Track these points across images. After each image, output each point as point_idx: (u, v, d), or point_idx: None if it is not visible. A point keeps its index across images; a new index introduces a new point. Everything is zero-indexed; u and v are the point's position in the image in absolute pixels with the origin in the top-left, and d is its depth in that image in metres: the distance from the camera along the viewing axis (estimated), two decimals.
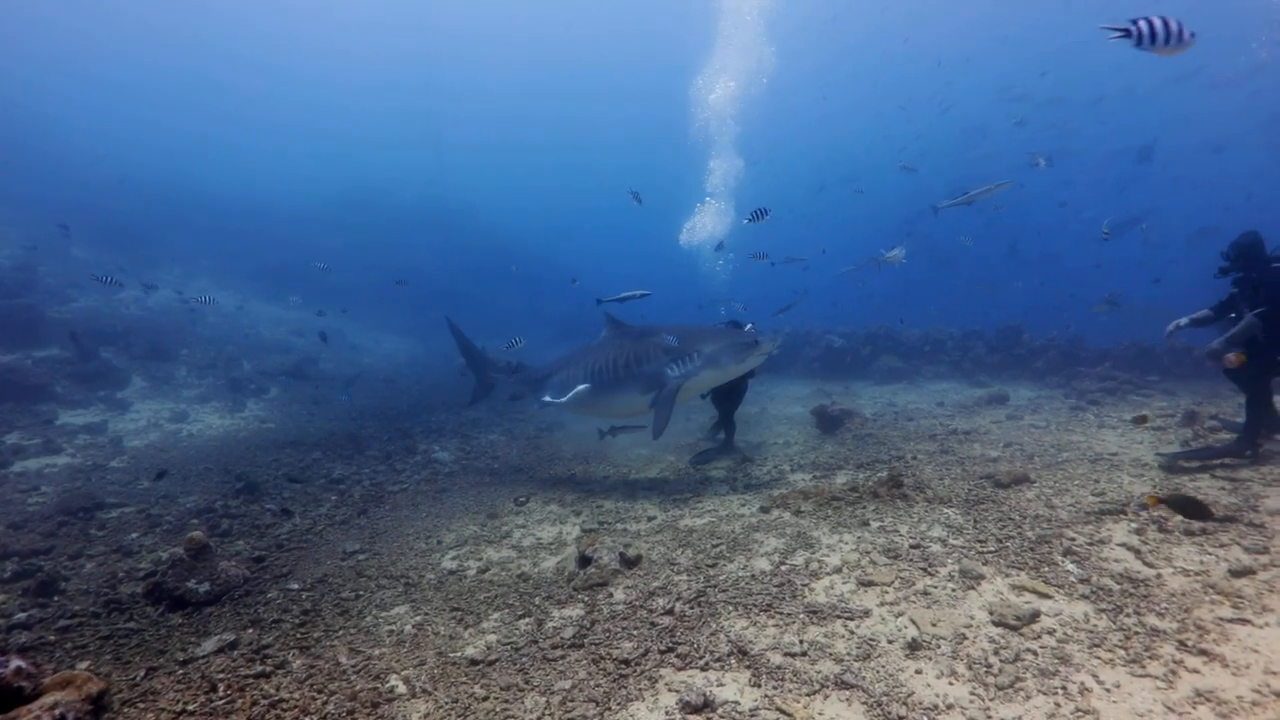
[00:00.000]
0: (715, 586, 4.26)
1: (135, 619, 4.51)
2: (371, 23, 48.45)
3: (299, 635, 4.16)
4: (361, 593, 4.98)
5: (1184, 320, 6.35)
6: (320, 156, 52.97)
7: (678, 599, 4.12)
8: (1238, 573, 3.70)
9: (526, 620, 4.17)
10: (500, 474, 9.28)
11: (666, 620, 3.86)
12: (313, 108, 55.37)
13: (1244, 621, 3.22)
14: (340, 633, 4.21)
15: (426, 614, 4.45)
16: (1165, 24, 4.32)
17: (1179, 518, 4.52)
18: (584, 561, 4.82)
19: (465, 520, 6.98)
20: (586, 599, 4.37)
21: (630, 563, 4.75)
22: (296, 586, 5.11)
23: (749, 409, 11.90)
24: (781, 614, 3.80)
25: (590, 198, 60.82)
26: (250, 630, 4.26)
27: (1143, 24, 4.36)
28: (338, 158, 52.53)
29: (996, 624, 3.44)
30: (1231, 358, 5.52)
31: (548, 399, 8.21)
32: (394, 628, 4.26)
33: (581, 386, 7.70)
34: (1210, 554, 4.00)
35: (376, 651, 3.89)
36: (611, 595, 4.38)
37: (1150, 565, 3.94)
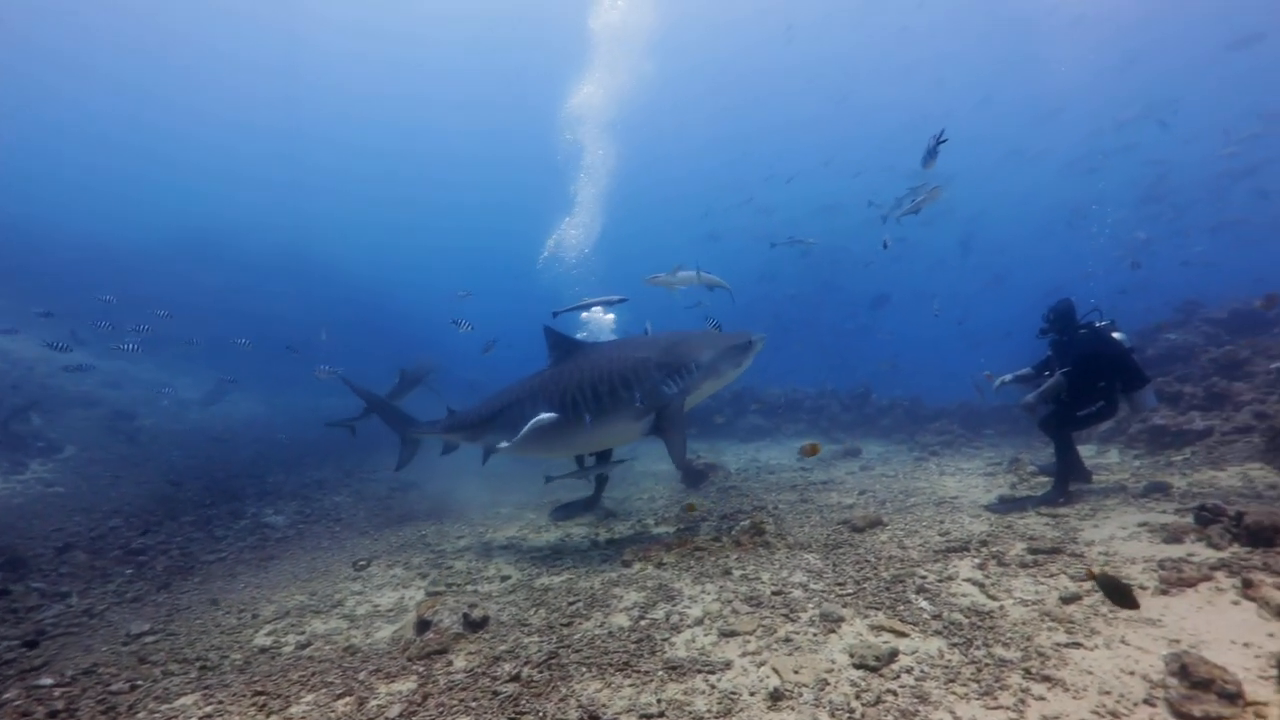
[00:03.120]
0: (569, 647, 3.86)
1: None
2: (236, 56, 44.26)
3: None
4: (140, 683, 4.09)
5: (1008, 376, 6.98)
6: (158, 185, 47.95)
7: (526, 663, 3.68)
8: (1067, 599, 3.87)
9: (346, 700, 3.54)
10: (341, 538, 8.34)
11: (511, 688, 3.40)
12: (155, 130, 48.27)
13: (1078, 645, 3.32)
14: None
15: (221, 702, 3.68)
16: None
17: (1018, 549, 4.76)
18: (422, 627, 4.25)
19: (292, 590, 6.10)
20: (422, 669, 3.81)
21: (475, 625, 4.24)
22: (50, 682, 4.11)
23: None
24: (639, 672, 3.48)
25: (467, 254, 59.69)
26: None
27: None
28: (185, 193, 47.86)
29: (857, 666, 3.32)
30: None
31: (503, 445, 6.52)
32: None
33: (545, 416, 6.15)
34: (1043, 584, 4.18)
35: None
36: (451, 663, 3.85)
37: (993, 598, 4.04)
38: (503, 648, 3.95)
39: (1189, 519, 5.04)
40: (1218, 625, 3.39)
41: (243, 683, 3.97)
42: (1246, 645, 3.15)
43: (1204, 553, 4.43)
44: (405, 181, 56.12)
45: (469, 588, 5.56)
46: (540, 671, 3.58)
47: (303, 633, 4.89)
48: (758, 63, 39.69)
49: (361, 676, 3.84)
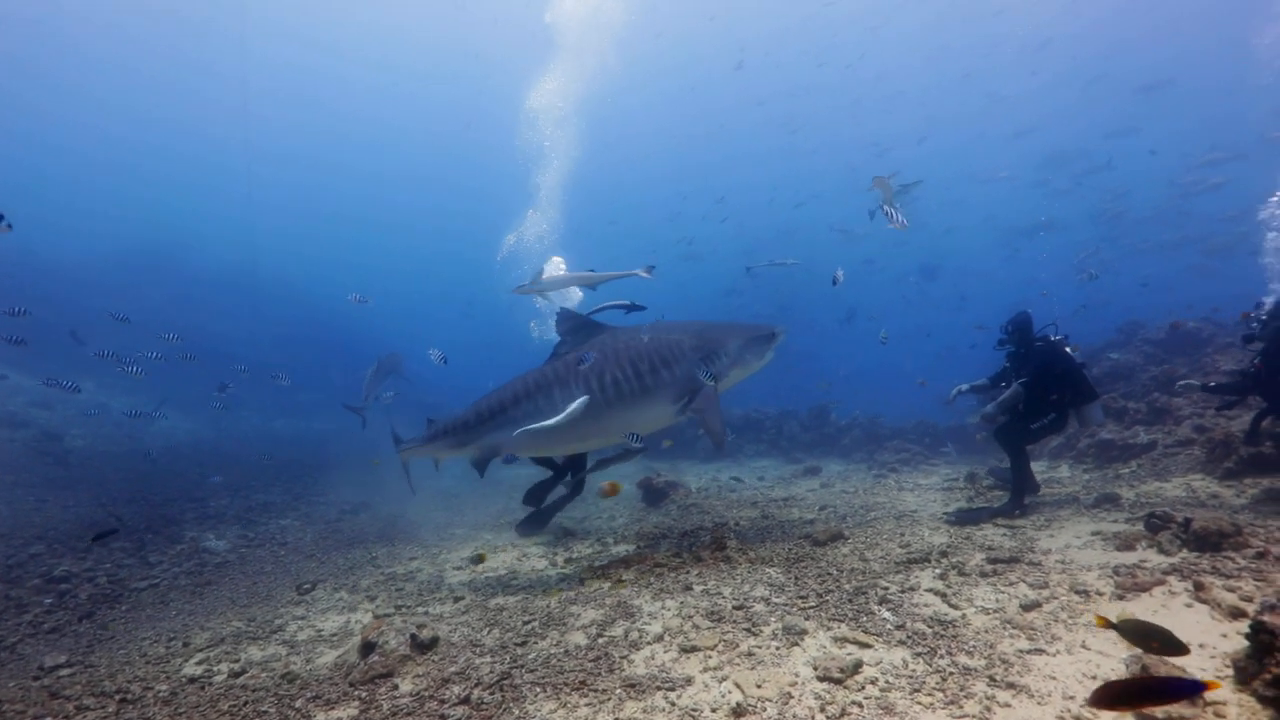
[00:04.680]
0: (523, 667, 3.68)
1: None
2: (189, 59, 42.34)
3: None
4: None
5: (964, 386, 7.08)
6: (103, 193, 45.73)
7: (477, 684, 3.48)
8: (1028, 607, 3.86)
9: None
10: (286, 562, 7.95)
11: (460, 711, 3.21)
12: (105, 137, 45.24)
13: (1040, 651, 3.29)
14: None
15: None
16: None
17: (978, 559, 4.76)
18: (367, 649, 4.00)
19: (228, 616, 5.74)
20: (364, 694, 3.57)
21: (424, 646, 4.02)
22: None
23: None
24: (596, 691, 3.32)
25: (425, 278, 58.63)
26: None
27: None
28: (133, 202, 45.87)
29: (821, 679, 3.23)
30: None
31: (517, 433, 5.87)
32: None
33: (578, 401, 5.63)
34: (1003, 592, 4.17)
35: None
36: (397, 687, 3.62)
37: (955, 607, 4.01)
38: (452, 669, 3.73)
39: (1140, 527, 5.13)
40: (1174, 627, 3.39)
41: (166, 715, 3.66)
42: (1202, 646, 3.17)
43: (1156, 559, 4.49)
44: (362, 199, 55.04)
45: (420, 609, 5.31)
46: (492, 693, 3.39)
47: (237, 660, 4.57)
48: (712, 94, 40.26)
49: (298, 704, 3.58)
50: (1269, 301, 6.06)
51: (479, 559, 6.85)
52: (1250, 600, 3.56)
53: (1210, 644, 3.18)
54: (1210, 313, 13.27)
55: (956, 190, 35.83)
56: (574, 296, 9.29)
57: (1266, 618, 2.76)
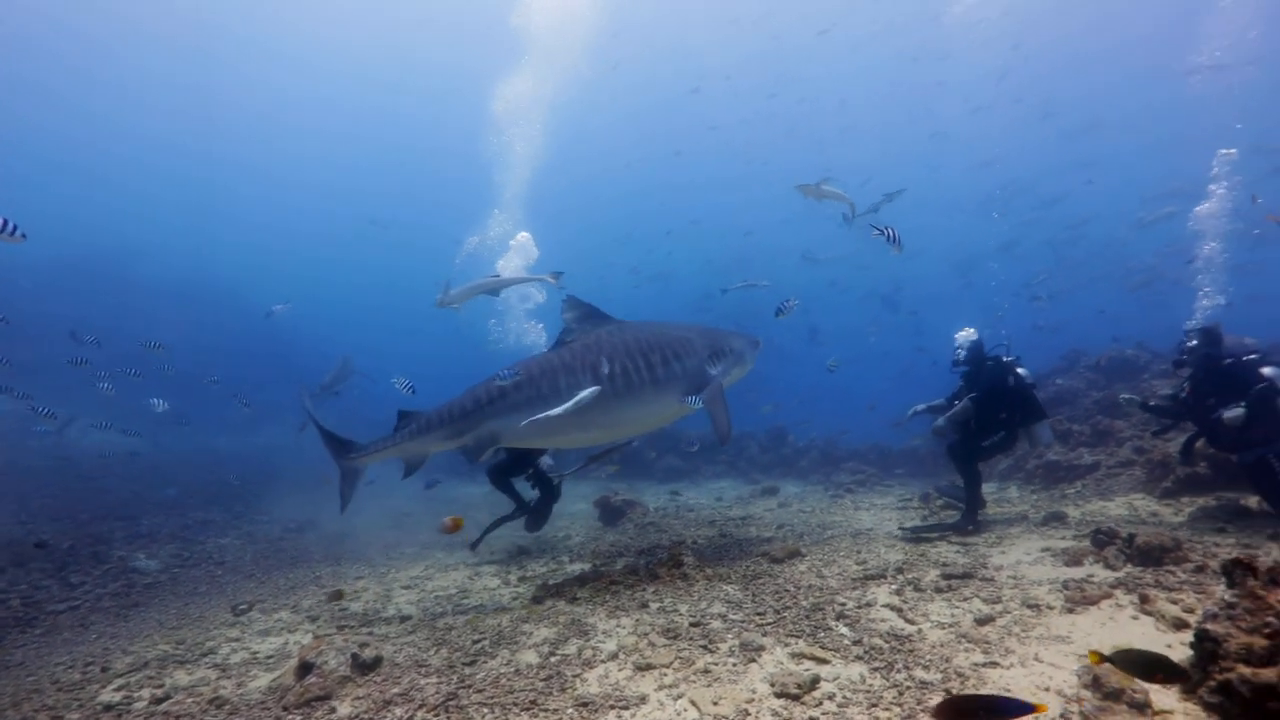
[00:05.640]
0: (470, 687, 3.51)
1: None
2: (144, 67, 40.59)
3: None
4: None
5: (921, 406, 7.26)
6: (50, 193, 43.63)
7: (420, 706, 3.30)
8: (982, 621, 3.87)
9: None
10: (223, 582, 7.55)
11: None
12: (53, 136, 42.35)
13: (994, 664, 3.28)
14: None
15: None
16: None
17: (933, 575, 4.77)
18: (304, 670, 3.77)
19: (155, 639, 5.40)
20: (299, 718, 3.35)
21: (366, 667, 3.81)
22: None
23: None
24: (547, 711, 3.18)
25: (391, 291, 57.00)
26: None
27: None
28: (80, 204, 43.77)
29: (779, 695, 3.15)
30: None
31: (524, 423, 5.53)
32: None
33: (588, 391, 5.37)
34: (958, 607, 4.18)
35: None
36: (335, 710, 3.41)
37: (911, 622, 4.00)
38: (395, 690, 3.54)
39: (1086, 543, 5.24)
40: (1121, 639, 3.45)
41: None
42: None
43: (1102, 573, 4.58)
44: (318, 210, 53.61)
45: (364, 630, 5.07)
46: (436, 715, 3.21)
47: (161, 685, 4.26)
48: (672, 119, 40.74)
49: None
50: (1194, 326, 6.28)
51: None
52: (1192, 611, 3.64)
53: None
54: (1138, 344, 13.80)
55: (917, 218, 36.89)
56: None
57: (1210, 626, 2.80)
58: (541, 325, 13.81)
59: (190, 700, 3.94)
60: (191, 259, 37.21)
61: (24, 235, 4.59)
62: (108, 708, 3.96)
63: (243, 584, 7.36)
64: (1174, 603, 3.80)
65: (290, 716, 3.40)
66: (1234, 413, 5.31)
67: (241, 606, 6.08)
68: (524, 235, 9.56)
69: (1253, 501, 5.87)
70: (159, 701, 3.99)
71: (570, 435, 5.98)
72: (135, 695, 4.14)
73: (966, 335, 7.05)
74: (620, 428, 6.10)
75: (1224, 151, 9.22)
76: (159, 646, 5.15)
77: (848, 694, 3.11)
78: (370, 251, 56.76)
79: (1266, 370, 5.44)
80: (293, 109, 44.52)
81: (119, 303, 27.33)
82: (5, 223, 4.56)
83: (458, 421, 5.84)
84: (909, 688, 3.10)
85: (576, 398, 5.34)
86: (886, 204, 9.74)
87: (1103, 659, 2.60)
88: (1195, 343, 5.99)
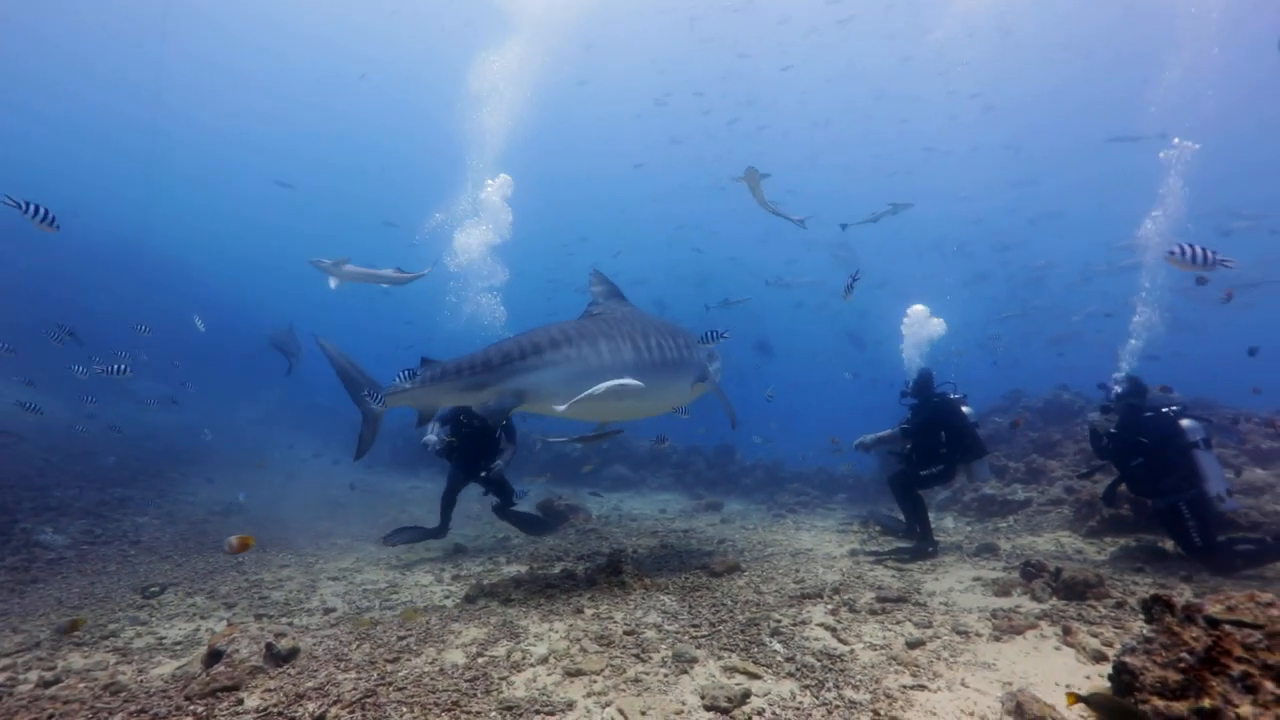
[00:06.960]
0: (390, 685, 3.36)
1: None
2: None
3: None
4: None
5: (869, 437, 7.41)
6: None
7: (335, 702, 3.14)
8: (912, 644, 3.91)
9: None
10: (135, 562, 7.14)
11: None
12: None
13: (922, 687, 3.31)
14: None
15: None
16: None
17: (868, 597, 4.82)
18: (213, 659, 3.55)
19: (52, 618, 5.04)
20: (201, 710, 3.15)
21: (281, 658, 3.61)
22: None
23: (470, 505, 10.89)
24: (469, 713, 3.06)
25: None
26: None
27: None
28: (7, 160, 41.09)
29: (709, 708, 3.11)
30: None
31: (578, 398, 5.26)
32: None
33: (633, 382, 5.30)
34: (890, 630, 4.22)
35: None
36: (241, 702, 3.21)
37: (844, 642, 4.01)
38: (310, 684, 3.36)
39: (1016, 575, 5.37)
40: (1044, 668, 3.53)
41: None
42: (1069, 686, 3.28)
43: (1029, 604, 4.70)
44: (272, 175, 51.42)
45: (284, 620, 4.83)
46: (351, 712, 3.06)
47: (52, 668, 3.96)
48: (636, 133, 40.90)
49: (117, 719, 3.11)
50: (1120, 375, 6.55)
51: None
52: (1111, 645, 3.75)
53: (1075, 684, 3.30)
54: (1059, 389, 14.40)
55: (887, 248, 37.94)
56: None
57: (1128, 659, 2.87)
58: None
59: (83, 685, 3.67)
60: (128, 226, 35.31)
61: (57, 226, 4.67)
62: None
63: (157, 565, 6.96)
64: (1094, 636, 3.91)
65: (192, 707, 3.19)
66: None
67: (153, 589, 5.74)
68: (506, 176, 9.58)
69: (1169, 544, 6.13)
70: (47, 685, 3.70)
71: (606, 403, 5.63)
72: (21, 677, 3.85)
73: (917, 366, 7.26)
74: (647, 401, 5.96)
75: (1154, 213, 9.65)
76: (55, 626, 4.80)
77: (777, 710, 3.09)
78: (298, 221, 54.09)
79: (1185, 423, 5.69)
80: (255, 70, 42.59)
81: (47, 267, 25.82)
82: (38, 209, 4.52)
83: (480, 373, 5.50)
84: (838, 706, 3.10)
85: (620, 380, 5.27)
86: (890, 214, 10.06)
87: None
88: (1121, 389, 6.25)
